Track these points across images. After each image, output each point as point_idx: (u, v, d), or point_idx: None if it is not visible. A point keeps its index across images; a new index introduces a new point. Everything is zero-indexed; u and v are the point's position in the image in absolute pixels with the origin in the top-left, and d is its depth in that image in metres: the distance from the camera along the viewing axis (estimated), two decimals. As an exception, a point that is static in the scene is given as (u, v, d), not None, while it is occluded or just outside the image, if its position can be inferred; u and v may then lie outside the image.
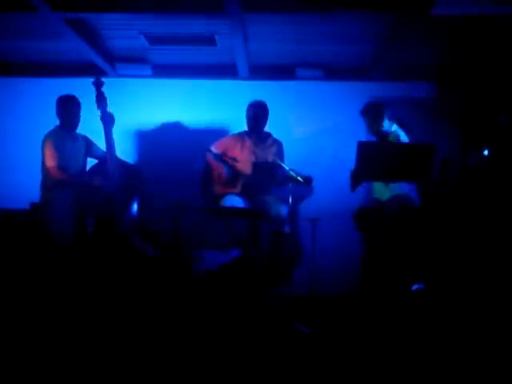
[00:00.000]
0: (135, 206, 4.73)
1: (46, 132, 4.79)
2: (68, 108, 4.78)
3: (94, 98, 4.67)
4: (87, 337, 3.65)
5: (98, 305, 4.09)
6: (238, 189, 4.89)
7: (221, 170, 4.91)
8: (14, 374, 3.09)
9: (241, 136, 5.14)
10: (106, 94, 4.70)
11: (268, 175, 4.83)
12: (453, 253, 4.83)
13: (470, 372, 3.18)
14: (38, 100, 5.69)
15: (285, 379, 3.14)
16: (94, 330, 3.76)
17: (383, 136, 4.71)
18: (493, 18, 4.41)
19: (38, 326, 3.83)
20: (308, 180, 4.62)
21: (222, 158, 4.88)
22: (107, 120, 4.69)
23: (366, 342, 3.66)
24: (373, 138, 4.82)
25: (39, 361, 3.27)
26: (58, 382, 3.06)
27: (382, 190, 4.73)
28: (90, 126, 4.87)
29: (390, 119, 4.74)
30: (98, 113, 4.68)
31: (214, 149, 5.01)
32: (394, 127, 4.74)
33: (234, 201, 4.77)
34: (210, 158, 5.00)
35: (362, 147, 4.14)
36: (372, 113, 4.73)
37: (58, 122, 4.84)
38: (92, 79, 4.72)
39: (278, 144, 5.13)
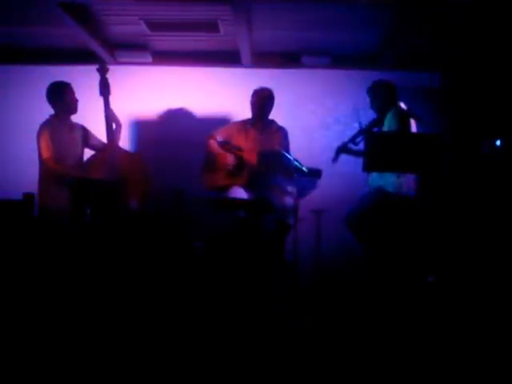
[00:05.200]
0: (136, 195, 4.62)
1: (41, 121, 4.66)
2: (63, 95, 4.65)
3: (98, 85, 4.58)
4: (85, 327, 3.61)
5: (95, 295, 4.03)
6: (243, 180, 4.77)
7: (226, 158, 4.80)
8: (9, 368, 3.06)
9: (244, 124, 4.99)
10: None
11: (273, 164, 4.71)
12: (459, 243, 4.81)
13: (479, 368, 3.13)
14: (32, 88, 5.52)
15: (288, 373, 3.10)
16: (91, 321, 3.71)
17: (382, 116, 4.62)
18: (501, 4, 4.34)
19: (33, 318, 3.76)
20: (317, 173, 4.52)
21: (227, 146, 4.77)
22: (109, 108, 4.60)
23: (371, 335, 3.60)
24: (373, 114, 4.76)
25: (34, 353, 3.23)
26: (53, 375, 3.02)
27: (376, 180, 4.63)
28: (88, 115, 4.75)
29: (394, 102, 4.63)
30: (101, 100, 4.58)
31: (217, 136, 4.88)
32: (395, 109, 4.59)
33: (239, 193, 4.69)
34: (214, 145, 4.87)
35: (371, 137, 4.08)
36: (380, 91, 4.68)
37: (52, 112, 4.69)
38: (90, 66, 4.64)
39: (283, 131, 4.97)
